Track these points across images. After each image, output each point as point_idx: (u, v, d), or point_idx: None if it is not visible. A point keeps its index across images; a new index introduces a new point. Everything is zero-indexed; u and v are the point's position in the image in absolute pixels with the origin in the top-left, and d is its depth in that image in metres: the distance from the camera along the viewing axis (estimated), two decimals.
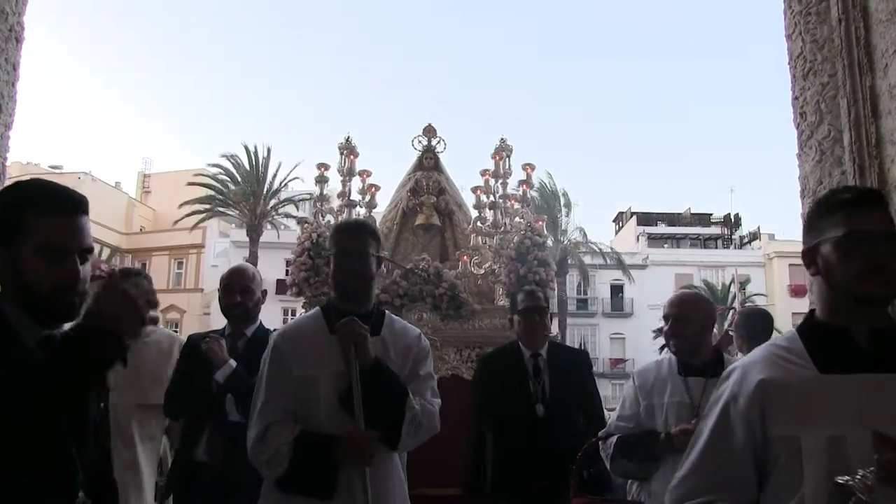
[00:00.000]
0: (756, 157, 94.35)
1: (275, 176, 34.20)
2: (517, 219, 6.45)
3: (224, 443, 3.16)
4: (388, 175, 7.50)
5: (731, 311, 28.28)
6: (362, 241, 2.70)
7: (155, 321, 4.79)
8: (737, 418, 1.61)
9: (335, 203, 6.88)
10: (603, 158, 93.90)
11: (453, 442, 5.76)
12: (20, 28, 4.21)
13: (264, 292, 3.69)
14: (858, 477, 1.43)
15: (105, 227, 42.34)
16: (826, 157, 4.25)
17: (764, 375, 1.61)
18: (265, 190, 33.71)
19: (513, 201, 6.60)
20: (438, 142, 7.18)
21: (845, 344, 1.64)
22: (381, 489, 2.50)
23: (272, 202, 33.95)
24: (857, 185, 3.35)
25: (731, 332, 5.11)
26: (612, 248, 38.34)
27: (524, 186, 6.55)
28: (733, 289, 31.59)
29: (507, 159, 6.63)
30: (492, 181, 6.64)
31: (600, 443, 3.30)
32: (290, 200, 34.00)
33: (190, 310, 41.57)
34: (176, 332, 35.40)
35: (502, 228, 6.44)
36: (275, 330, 3.02)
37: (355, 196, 6.83)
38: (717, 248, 48.94)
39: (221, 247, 43.19)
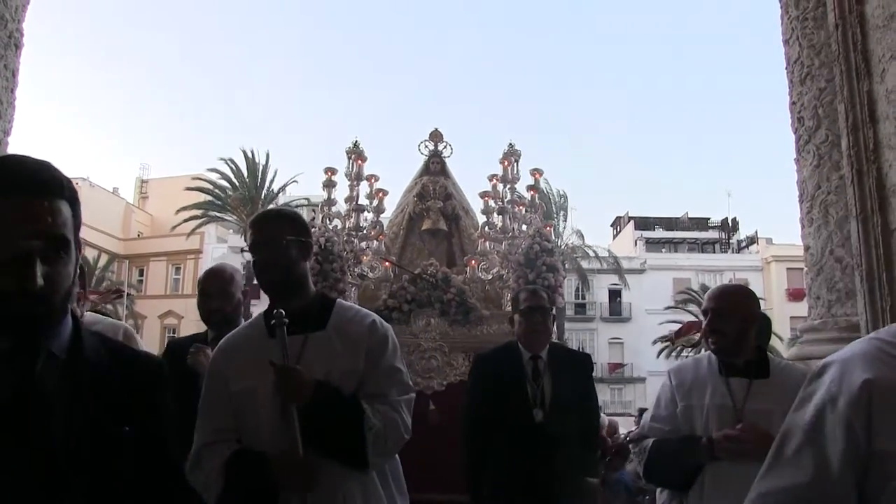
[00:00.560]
0: (753, 160, 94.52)
1: (273, 181, 34.25)
2: (524, 225, 6.43)
3: None
4: (395, 180, 7.50)
5: None
6: (271, 227, 2.43)
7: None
8: (835, 425, 1.34)
9: (343, 207, 6.86)
10: (600, 163, 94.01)
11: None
12: (19, 35, 4.28)
13: (245, 293, 3.48)
14: None
15: (103, 232, 42.26)
16: (824, 162, 4.39)
17: (870, 374, 1.33)
18: (263, 195, 33.71)
19: (521, 206, 6.59)
20: (445, 147, 7.18)
21: None
22: None
23: (270, 207, 33.93)
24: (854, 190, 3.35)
25: None
26: (609, 253, 38.35)
27: (533, 191, 6.54)
28: None
29: (515, 164, 6.62)
30: (500, 186, 6.63)
31: (631, 446, 3.13)
32: (288, 206, 33.98)
33: (188, 315, 41.41)
34: (173, 336, 35.34)
35: (511, 234, 6.42)
36: None
37: (363, 200, 6.83)
38: (714, 252, 49.00)
39: (219, 252, 43.11)
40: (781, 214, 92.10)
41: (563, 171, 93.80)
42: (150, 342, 31.86)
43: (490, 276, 6.43)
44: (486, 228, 6.53)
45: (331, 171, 6.65)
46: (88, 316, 3.46)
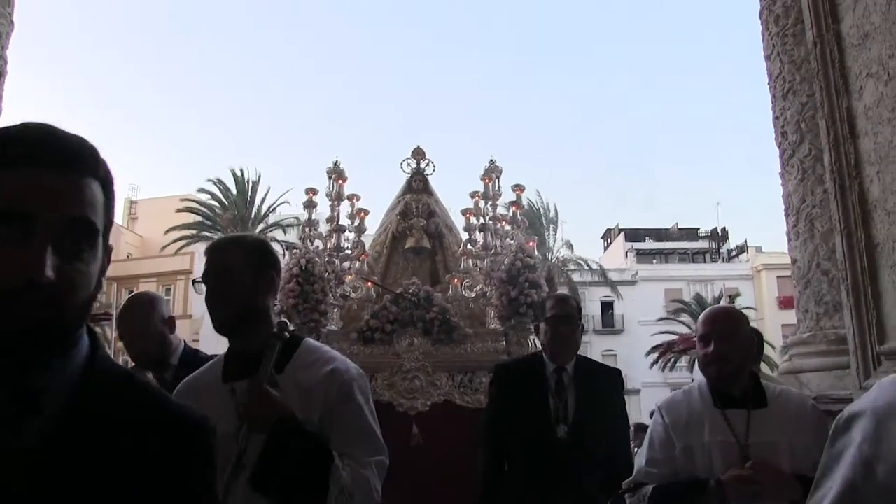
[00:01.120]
0: (741, 169, 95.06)
1: (263, 200, 34.24)
2: (507, 240, 6.41)
3: None
4: (379, 198, 7.47)
5: None
6: (224, 256, 2.13)
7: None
8: (873, 494, 1.09)
9: (324, 228, 6.82)
10: (590, 176, 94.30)
11: (451, 471, 5.71)
12: (3, 62, 4.30)
13: (170, 320, 3.04)
14: None
15: None
16: (808, 176, 4.42)
17: None
18: (253, 214, 33.70)
19: (503, 223, 6.56)
20: (427, 164, 7.15)
21: None
22: None
23: (260, 227, 33.94)
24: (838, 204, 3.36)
25: None
26: (600, 265, 38.42)
27: (514, 207, 6.52)
28: (723, 303, 31.65)
29: (496, 181, 6.60)
30: (481, 203, 6.60)
31: (627, 496, 2.81)
32: (277, 225, 33.98)
33: (179, 336, 41.17)
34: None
35: (493, 251, 6.39)
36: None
37: (344, 220, 6.79)
38: (705, 262, 49.16)
39: None
40: (771, 223, 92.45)
41: (552, 185, 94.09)
42: None
43: (473, 294, 6.39)
44: (469, 246, 6.49)
45: (311, 191, 6.61)
46: None
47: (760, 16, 4.92)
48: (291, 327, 2.13)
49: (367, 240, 7.08)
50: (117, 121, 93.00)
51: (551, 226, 35.55)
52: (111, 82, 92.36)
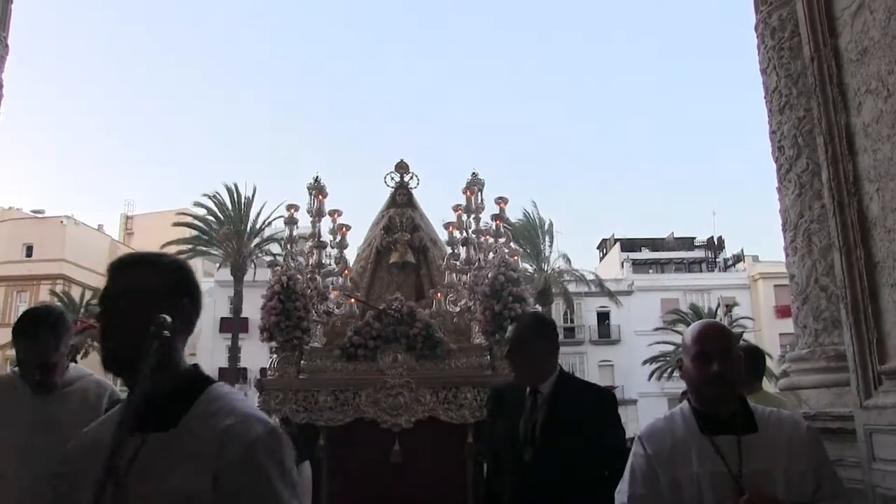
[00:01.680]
0: (737, 177, 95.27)
1: (258, 215, 34.24)
2: (491, 254, 6.35)
3: None
4: (369, 213, 7.41)
5: None
6: (123, 278, 1.78)
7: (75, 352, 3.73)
8: None
9: (307, 244, 6.77)
10: (584, 186, 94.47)
11: (436, 488, 5.66)
12: None
13: (72, 348, 2.85)
14: None
15: (88, 270, 42.09)
16: (806, 191, 4.39)
17: None
18: (248, 229, 33.68)
19: (486, 236, 6.51)
20: (411, 178, 7.11)
21: None
22: None
23: (256, 241, 33.92)
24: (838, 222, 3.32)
25: None
26: (595, 275, 38.41)
27: (497, 221, 6.46)
28: (720, 313, 31.61)
29: (479, 193, 6.54)
30: (464, 216, 6.55)
31: None
32: (273, 238, 33.97)
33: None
34: None
35: (476, 264, 6.33)
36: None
37: (326, 237, 6.74)
38: (701, 271, 49.17)
39: (206, 286, 43.01)
40: (767, 231, 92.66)
41: (547, 196, 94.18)
42: None
43: (458, 309, 6.33)
44: (452, 260, 6.44)
45: (293, 207, 6.56)
46: (73, 369, 3.11)
47: (756, 29, 4.90)
48: (168, 321, 1.66)
49: (351, 255, 7.03)
50: (113, 136, 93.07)
51: (547, 237, 35.50)
52: (106, 99, 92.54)
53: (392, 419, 5.81)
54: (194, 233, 34.90)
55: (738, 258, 48.91)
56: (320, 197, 6.58)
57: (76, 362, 3.20)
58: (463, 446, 5.73)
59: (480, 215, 6.53)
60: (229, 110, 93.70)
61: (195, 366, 1.83)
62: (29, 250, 42.22)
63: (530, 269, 32.70)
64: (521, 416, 3.50)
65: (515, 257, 6.27)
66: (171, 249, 34.05)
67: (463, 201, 6.53)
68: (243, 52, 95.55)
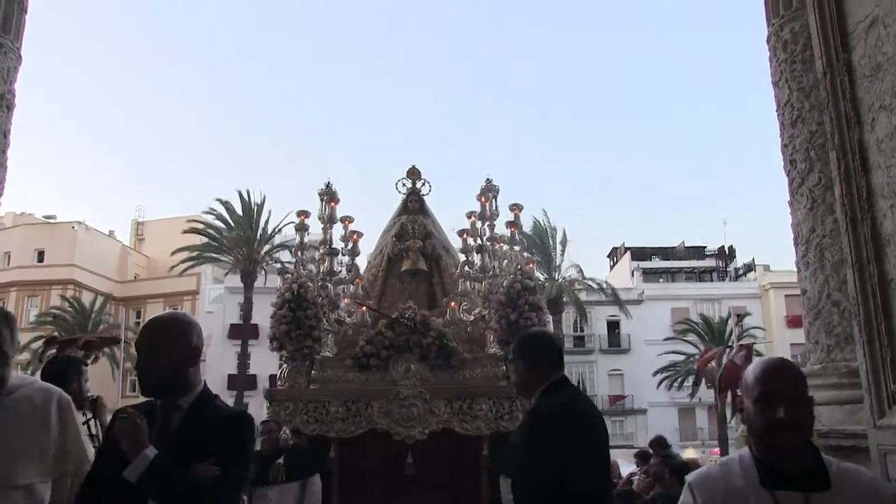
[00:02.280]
0: (749, 186, 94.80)
1: (268, 221, 34.23)
2: (506, 262, 6.23)
3: None
4: (381, 220, 7.31)
5: (728, 350, 28.01)
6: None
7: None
8: None
9: (317, 252, 6.66)
10: (595, 194, 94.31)
11: (448, 499, 5.52)
12: (11, 96, 4.35)
13: (196, 350, 2.53)
14: None
15: (99, 275, 42.21)
16: (818, 205, 4.36)
17: None
18: (258, 235, 33.66)
19: (501, 244, 6.39)
20: (423, 184, 7.00)
21: None
22: None
23: (266, 247, 33.89)
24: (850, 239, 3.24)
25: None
26: (607, 284, 38.19)
27: (512, 228, 6.34)
28: (730, 323, 31.32)
29: (493, 200, 6.43)
30: (478, 223, 6.44)
31: None
32: (283, 246, 33.94)
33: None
34: None
35: (491, 272, 6.21)
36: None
37: (337, 244, 6.63)
38: (712, 280, 48.86)
39: (216, 293, 43.12)
40: (779, 240, 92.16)
41: (558, 205, 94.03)
42: None
43: (472, 317, 6.21)
44: (466, 268, 6.32)
45: (303, 213, 6.45)
46: (14, 378, 2.91)
47: (768, 41, 4.85)
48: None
49: (362, 263, 6.92)
50: (124, 142, 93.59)
51: (560, 246, 35.34)
52: (118, 105, 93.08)
53: (405, 431, 5.69)
54: (205, 239, 34.89)
55: (750, 267, 48.60)
56: (332, 203, 6.48)
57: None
58: (478, 459, 5.61)
59: (495, 222, 6.41)
60: (240, 117, 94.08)
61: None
62: (41, 255, 42.35)
63: (542, 277, 32.51)
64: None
65: (531, 265, 6.14)
66: (182, 256, 34.18)
67: (477, 208, 6.41)
68: (255, 60, 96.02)
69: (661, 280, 49.06)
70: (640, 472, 9.13)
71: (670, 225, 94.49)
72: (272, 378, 27.56)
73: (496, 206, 6.43)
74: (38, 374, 4.07)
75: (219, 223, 34.69)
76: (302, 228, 6.48)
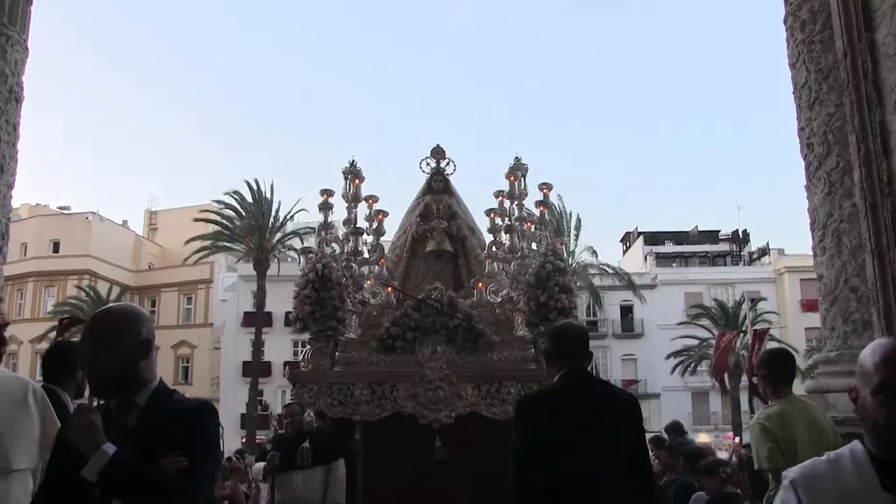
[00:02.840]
0: (763, 170, 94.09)
1: (279, 209, 34.23)
2: (534, 243, 6.09)
3: None
4: (398, 200, 7.21)
5: (743, 335, 27.79)
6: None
7: None
8: None
9: (341, 231, 6.52)
10: (608, 178, 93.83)
11: (478, 489, 5.40)
12: (19, 88, 4.31)
13: (146, 342, 2.30)
14: None
15: (114, 265, 42.41)
16: (836, 189, 4.19)
17: None
18: (270, 223, 33.68)
19: (529, 223, 6.24)
20: (448, 163, 6.85)
21: None
22: None
23: (277, 235, 33.91)
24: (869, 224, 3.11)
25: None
26: (620, 269, 38.01)
27: (542, 207, 6.19)
28: (744, 307, 31.08)
29: (522, 179, 6.28)
30: (506, 203, 6.29)
31: None
32: (295, 233, 33.93)
33: (200, 345, 41.55)
34: (187, 366, 35.04)
35: (519, 253, 6.07)
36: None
37: (362, 223, 6.49)
38: (726, 265, 48.58)
39: (230, 281, 43.27)
40: (794, 223, 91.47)
41: (571, 188, 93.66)
42: (165, 372, 31.75)
43: (499, 299, 6.08)
44: (493, 248, 6.18)
45: (327, 192, 6.31)
46: None
47: (785, 22, 4.71)
48: None
49: (386, 244, 6.79)
50: (137, 133, 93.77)
51: (575, 231, 35.17)
52: (129, 96, 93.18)
53: (432, 414, 5.58)
54: (217, 228, 34.92)
55: (764, 251, 48.25)
56: (356, 181, 6.33)
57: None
58: (506, 444, 5.48)
59: (523, 202, 6.26)
60: (252, 105, 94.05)
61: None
62: (56, 246, 42.54)
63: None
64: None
65: (561, 245, 5.99)
66: (195, 245, 34.24)
67: (504, 187, 6.25)
68: (265, 49, 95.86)
69: (674, 264, 48.82)
70: (652, 457, 9.05)
71: (684, 209, 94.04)
72: (287, 365, 27.58)
73: (525, 185, 6.28)
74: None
75: (230, 212, 34.72)
76: (325, 207, 6.34)
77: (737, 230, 51.26)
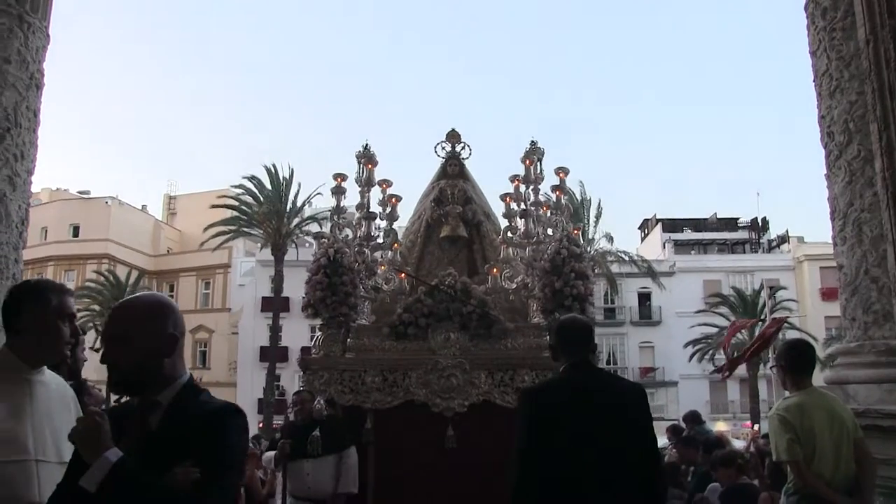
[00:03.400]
0: (782, 157, 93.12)
1: (297, 194, 34.26)
2: (549, 229, 5.96)
3: None
4: (413, 186, 7.10)
5: (761, 323, 27.47)
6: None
7: None
8: None
9: (355, 216, 6.43)
10: (626, 165, 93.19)
11: (490, 478, 5.31)
12: (40, 76, 4.28)
13: (171, 337, 2.10)
14: None
15: (133, 249, 42.72)
16: (857, 178, 4.14)
17: None
18: (288, 209, 33.72)
19: (545, 208, 6.12)
20: (463, 147, 6.74)
21: None
22: None
23: (295, 220, 33.96)
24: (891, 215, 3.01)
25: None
26: (639, 256, 37.76)
27: (558, 192, 6.06)
28: (763, 295, 30.76)
29: (538, 163, 6.15)
30: (522, 187, 6.16)
31: None
32: (313, 218, 33.95)
33: (218, 329, 41.81)
34: (205, 350, 35.27)
35: (535, 238, 5.95)
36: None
37: (375, 208, 6.39)
38: (744, 252, 48.16)
39: (248, 266, 43.45)
40: (813, 212, 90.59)
41: (589, 175, 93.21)
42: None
43: (514, 285, 5.97)
44: (509, 233, 6.06)
45: (340, 176, 6.21)
46: None
47: (806, 9, 4.65)
48: None
49: (400, 229, 6.70)
50: (157, 117, 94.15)
51: (595, 218, 34.91)
52: (150, 82, 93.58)
53: (444, 402, 5.49)
54: (235, 213, 35.03)
55: (783, 239, 47.76)
56: (369, 166, 6.24)
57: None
58: None
59: (539, 186, 6.13)
60: (271, 89, 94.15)
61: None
62: (76, 230, 42.91)
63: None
64: None
65: (577, 231, 5.87)
66: (213, 230, 34.37)
67: (520, 171, 6.13)
68: (284, 35, 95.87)
69: (692, 252, 48.45)
70: (670, 448, 9.00)
71: (702, 196, 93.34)
72: (304, 350, 27.73)
73: (541, 170, 6.15)
74: None
75: (248, 198, 34.80)
76: (338, 192, 6.25)
77: (756, 218, 50.79)
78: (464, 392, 5.50)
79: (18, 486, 2.31)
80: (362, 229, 6.25)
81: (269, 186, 34.35)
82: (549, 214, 6.06)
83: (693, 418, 8.95)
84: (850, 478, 3.60)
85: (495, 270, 5.92)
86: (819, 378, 4.64)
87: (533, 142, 6.12)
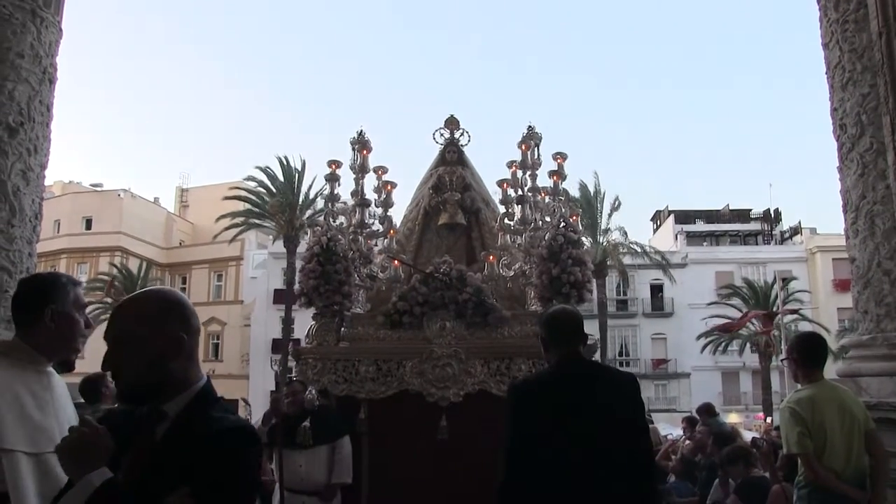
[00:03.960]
0: (794, 148, 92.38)
1: (310, 187, 34.28)
2: (547, 216, 5.86)
3: None
4: (418, 172, 7.01)
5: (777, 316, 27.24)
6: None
7: None
8: None
9: (350, 203, 6.35)
10: (639, 156, 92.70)
11: (486, 469, 5.22)
12: (53, 70, 4.27)
13: (176, 338, 1.85)
14: None
15: (145, 242, 42.93)
16: (869, 171, 4.11)
17: None
18: (300, 201, 33.75)
19: (543, 194, 6.01)
20: (462, 134, 6.64)
21: None
22: None
23: (308, 212, 33.96)
24: None
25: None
26: (652, 248, 37.58)
27: (555, 177, 5.95)
28: (776, 287, 30.55)
29: (535, 149, 6.04)
30: (519, 173, 6.06)
31: None
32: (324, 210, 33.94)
33: (231, 321, 41.99)
34: (217, 342, 35.32)
35: (532, 225, 5.84)
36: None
37: (369, 195, 6.31)
38: (757, 244, 47.91)
39: (260, 258, 43.57)
40: (826, 203, 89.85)
41: (602, 167, 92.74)
42: None
43: (512, 273, 5.87)
44: (506, 220, 5.96)
45: (335, 163, 6.13)
46: None
47: (818, 1, 4.64)
48: None
49: (397, 216, 6.61)
50: (169, 109, 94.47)
51: (609, 210, 34.74)
52: (162, 75, 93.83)
53: (439, 392, 5.40)
54: (247, 206, 35.12)
55: (796, 231, 47.50)
56: (364, 152, 6.15)
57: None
58: None
59: (537, 172, 6.03)
60: (282, 81, 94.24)
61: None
62: (88, 223, 43.17)
63: (587, 242, 31.91)
64: None
65: (575, 217, 5.76)
66: (225, 222, 34.46)
67: (518, 157, 6.02)
68: (294, 27, 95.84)
69: (704, 243, 48.29)
70: (684, 439, 8.97)
71: (715, 188, 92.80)
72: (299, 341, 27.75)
73: (538, 155, 6.05)
74: None
75: (261, 190, 34.87)
76: (333, 179, 6.16)
77: (768, 209, 50.53)
78: (459, 381, 5.41)
79: (60, 479, 2.04)
80: (356, 217, 6.17)
81: (281, 178, 34.42)
82: (546, 200, 5.95)
83: (707, 410, 8.93)
84: (862, 471, 3.59)
85: (492, 257, 5.83)
86: (831, 370, 4.59)
87: (530, 126, 6.01)
